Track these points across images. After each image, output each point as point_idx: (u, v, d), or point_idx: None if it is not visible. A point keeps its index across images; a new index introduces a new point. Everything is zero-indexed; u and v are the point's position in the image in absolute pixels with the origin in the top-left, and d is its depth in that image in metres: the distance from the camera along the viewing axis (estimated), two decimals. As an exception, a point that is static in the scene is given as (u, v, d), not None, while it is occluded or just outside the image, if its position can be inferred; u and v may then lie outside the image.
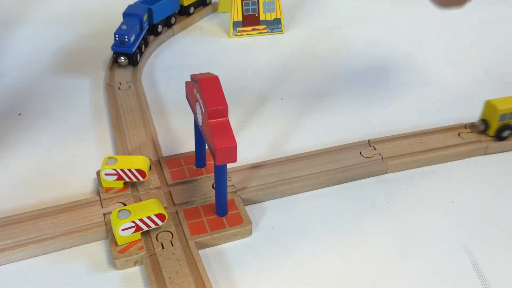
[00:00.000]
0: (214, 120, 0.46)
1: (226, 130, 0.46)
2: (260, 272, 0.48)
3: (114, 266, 0.48)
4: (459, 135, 0.64)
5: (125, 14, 0.77)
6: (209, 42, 0.87)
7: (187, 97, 0.55)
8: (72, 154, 0.62)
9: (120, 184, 0.54)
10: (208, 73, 0.50)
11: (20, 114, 0.68)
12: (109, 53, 0.81)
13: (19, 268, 0.48)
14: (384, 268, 0.49)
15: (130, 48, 0.74)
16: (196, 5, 0.92)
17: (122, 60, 0.75)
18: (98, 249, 0.50)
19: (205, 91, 0.47)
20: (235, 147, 0.46)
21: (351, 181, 0.58)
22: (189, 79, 0.52)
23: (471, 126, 0.65)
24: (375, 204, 0.56)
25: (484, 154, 0.62)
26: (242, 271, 0.48)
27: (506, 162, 0.62)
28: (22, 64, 0.80)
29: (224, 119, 0.47)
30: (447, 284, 0.47)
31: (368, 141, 0.62)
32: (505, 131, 0.62)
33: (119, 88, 0.72)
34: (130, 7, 0.80)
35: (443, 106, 0.72)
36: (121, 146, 0.61)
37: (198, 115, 0.50)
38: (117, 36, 0.73)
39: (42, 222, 0.50)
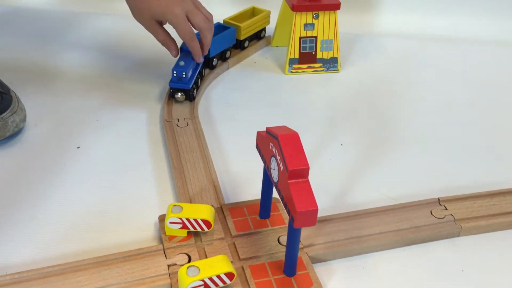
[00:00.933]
0: (294, 180, 0.44)
1: (306, 192, 0.44)
2: None
3: (179, 325, 0.46)
4: (534, 198, 0.61)
5: (183, 49, 0.77)
6: (264, 78, 0.86)
7: (257, 147, 0.53)
8: (132, 195, 0.60)
9: (183, 233, 0.53)
10: (285, 127, 0.49)
11: (79, 147, 0.67)
12: (164, 84, 0.80)
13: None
14: None
15: (187, 85, 0.74)
16: (251, 39, 0.91)
17: (179, 96, 0.74)
18: (161, 304, 0.48)
19: (286, 149, 0.45)
20: (316, 211, 0.44)
21: (421, 242, 0.56)
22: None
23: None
24: (448, 271, 0.53)
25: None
26: None
27: None
28: (78, 94, 0.79)
29: (305, 179, 0.45)
30: None
31: (438, 199, 0.60)
32: None
33: (177, 125, 0.70)
34: None
35: None
36: (182, 189, 0.59)
37: (273, 170, 0.48)
38: (175, 72, 0.73)
39: (106, 271, 0.49)
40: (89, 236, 0.55)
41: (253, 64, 0.90)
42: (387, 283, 0.51)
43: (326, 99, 0.81)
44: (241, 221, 0.56)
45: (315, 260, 0.52)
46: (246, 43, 0.90)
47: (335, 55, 0.86)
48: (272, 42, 0.95)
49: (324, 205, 0.60)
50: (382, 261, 0.53)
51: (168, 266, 0.50)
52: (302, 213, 0.43)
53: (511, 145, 0.72)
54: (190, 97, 0.75)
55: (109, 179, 0.62)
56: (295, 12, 0.82)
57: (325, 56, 0.86)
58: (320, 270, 0.52)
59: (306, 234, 0.54)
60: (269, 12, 0.92)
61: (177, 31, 0.70)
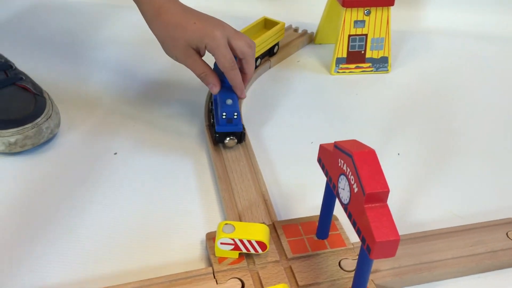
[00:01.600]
0: (372, 205, 0.39)
1: (386, 219, 0.39)
2: None
3: None
4: None
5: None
6: (308, 78, 0.80)
7: (319, 161, 0.47)
8: (175, 208, 0.55)
9: (235, 255, 0.48)
10: (357, 142, 0.43)
11: (116, 154, 0.62)
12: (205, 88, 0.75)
13: None
14: None
15: (238, 126, 0.60)
16: (263, 56, 0.80)
17: (229, 141, 0.61)
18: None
19: (362, 169, 0.39)
20: (398, 241, 0.38)
21: (499, 269, 0.50)
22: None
23: None
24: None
25: None
26: None
27: None
28: (113, 95, 0.74)
29: (384, 204, 0.39)
30: None
31: (515, 220, 0.54)
32: None
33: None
34: None
35: None
36: (230, 203, 0.54)
37: (342, 190, 0.43)
38: (224, 114, 0.59)
39: (151, 298, 0.44)
40: (130, 254, 0.50)
41: (296, 64, 0.84)
42: (464, 317, 0.46)
43: (376, 102, 0.75)
44: (297, 241, 0.50)
45: (381, 288, 0.47)
46: (258, 62, 0.78)
47: (386, 55, 0.80)
48: (315, 39, 0.89)
49: (385, 223, 0.54)
50: (456, 291, 0.48)
51: (220, 291, 0.45)
52: (382, 243, 0.38)
53: None
54: (241, 139, 0.62)
55: (150, 191, 0.57)
56: (345, 8, 0.76)
57: (374, 56, 0.80)
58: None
59: (370, 258, 0.49)
60: (283, 24, 0.80)
61: (216, 57, 0.59)
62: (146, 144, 0.64)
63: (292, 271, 0.47)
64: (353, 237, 0.50)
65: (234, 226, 0.47)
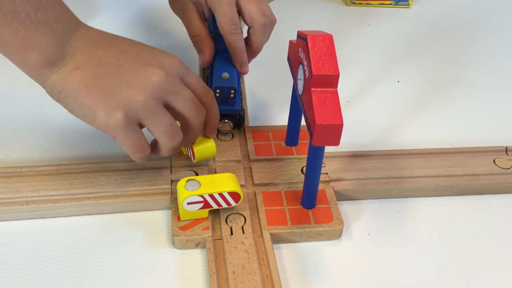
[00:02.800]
0: (319, 89, 0.36)
1: (332, 104, 0.36)
2: (342, 285, 0.38)
3: (173, 243, 0.40)
4: None
5: (216, 50, 0.51)
6: (321, 8, 0.76)
7: (288, 59, 0.45)
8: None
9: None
10: (321, 31, 0.40)
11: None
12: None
13: (71, 224, 0.42)
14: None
15: (236, 106, 0.48)
16: None
17: (223, 125, 0.48)
18: (158, 219, 0.43)
19: (314, 51, 0.37)
20: (341, 126, 0.36)
21: (478, 194, 0.46)
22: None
23: None
24: (510, 230, 0.43)
25: None
26: (322, 282, 0.38)
27: None
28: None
29: (332, 89, 0.37)
30: None
31: (506, 147, 0.49)
32: None
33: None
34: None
35: None
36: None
37: (299, 81, 0.40)
38: (218, 91, 0.47)
39: (103, 177, 0.44)
40: (95, 145, 0.50)
41: (312, -8, 0.80)
42: (425, 234, 0.42)
43: (391, 35, 0.71)
44: (264, 145, 0.49)
45: (342, 197, 0.45)
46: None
47: (407, -13, 0.75)
48: (337, -29, 0.85)
49: (366, 141, 0.51)
50: (423, 208, 0.45)
51: (172, 181, 0.44)
52: (324, 127, 0.35)
53: None
54: (239, 123, 0.49)
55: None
56: None
57: (395, -13, 0.75)
58: (346, 209, 0.44)
59: (336, 167, 0.46)
60: None
61: (215, 15, 0.48)
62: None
63: (251, 170, 0.46)
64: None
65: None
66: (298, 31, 0.41)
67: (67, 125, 0.51)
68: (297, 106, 0.46)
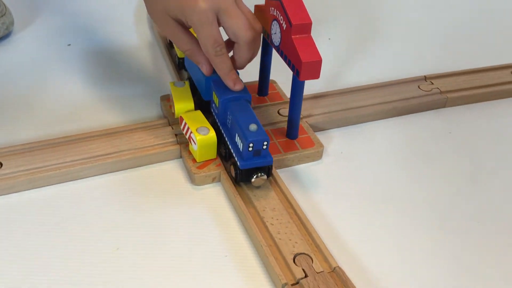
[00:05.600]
0: (298, 36, 0.46)
1: (310, 46, 0.46)
2: (333, 191, 0.49)
3: (192, 181, 0.48)
4: (512, 73, 0.65)
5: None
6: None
7: (255, 22, 0.54)
8: (136, 86, 0.62)
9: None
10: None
11: (69, 45, 0.67)
12: None
13: (94, 183, 0.48)
14: (455, 191, 0.50)
15: (268, 157, 0.46)
16: None
17: (256, 179, 0.46)
18: (172, 167, 0.50)
19: (289, 7, 0.46)
20: (320, 61, 0.46)
21: (411, 113, 0.59)
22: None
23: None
24: (438, 134, 0.57)
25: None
26: (319, 192, 0.49)
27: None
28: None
29: (308, 35, 0.47)
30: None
31: (425, 76, 0.63)
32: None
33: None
34: None
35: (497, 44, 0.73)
36: (179, 74, 0.61)
37: (274, 35, 0.50)
38: (251, 145, 0.44)
39: (117, 139, 0.50)
40: (96, 115, 0.56)
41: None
42: (383, 144, 0.55)
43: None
44: (241, 99, 0.58)
45: (315, 128, 0.55)
46: None
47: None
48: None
49: (318, 86, 0.62)
50: (376, 128, 0.57)
51: (176, 134, 0.52)
52: (308, 64, 0.45)
53: (493, 31, 0.76)
54: (270, 171, 0.47)
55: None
56: None
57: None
58: (319, 137, 0.55)
59: (304, 107, 0.57)
60: None
61: (198, 37, 0.45)
62: (98, 34, 0.69)
63: (237, 119, 0.55)
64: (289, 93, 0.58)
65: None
66: (266, -4, 0.50)
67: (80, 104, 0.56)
68: (267, 62, 0.55)
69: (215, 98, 0.49)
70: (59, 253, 0.41)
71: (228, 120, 0.48)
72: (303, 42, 0.46)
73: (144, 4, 0.49)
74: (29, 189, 0.46)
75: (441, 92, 0.60)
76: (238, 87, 0.48)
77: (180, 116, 0.50)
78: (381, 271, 0.42)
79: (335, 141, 0.55)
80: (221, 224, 0.45)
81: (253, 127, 0.45)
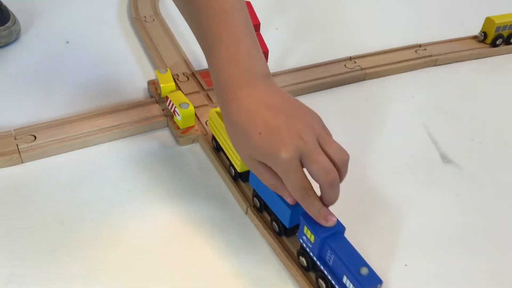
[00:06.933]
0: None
1: (260, 41, 0.64)
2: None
3: (177, 142, 0.65)
4: (416, 51, 0.84)
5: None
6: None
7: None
8: (125, 74, 0.77)
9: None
10: None
11: (68, 42, 0.82)
12: None
13: (105, 148, 0.64)
14: (355, 143, 0.69)
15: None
16: None
17: None
18: (162, 135, 0.67)
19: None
20: (267, 52, 0.64)
21: (339, 86, 0.78)
22: None
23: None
24: (358, 101, 0.76)
25: (434, 65, 0.84)
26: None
27: (451, 71, 0.83)
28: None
29: (258, 32, 0.64)
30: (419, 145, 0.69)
31: (350, 57, 0.82)
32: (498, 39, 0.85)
33: (145, 21, 0.87)
34: None
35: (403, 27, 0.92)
36: (161, 64, 0.77)
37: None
38: None
39: (118, 115, 0.67)
40: (92, 100, 0.71)
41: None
42: (320, 111, 0.73)
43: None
44: (210, 80, 0.74)
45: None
46: None
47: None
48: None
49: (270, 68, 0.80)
50: (313, 99, 0.75)
51: (162, 109, 0.68)
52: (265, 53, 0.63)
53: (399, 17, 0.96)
54: None
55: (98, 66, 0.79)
56: None
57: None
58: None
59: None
60: None
61: (284, 181, 0.46)
62: (85, 37, 0.84)
63: (208, 96, 0.72)
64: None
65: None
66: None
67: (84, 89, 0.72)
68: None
69: (308, 233, 0.48)
70: (89, 198, 0.58)
71: (328, 257, 0.47)
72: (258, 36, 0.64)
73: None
74: (57, 154, 0.62)
75: (361, 69, 0.79)
76: (331, 223, 0.46)
77: (166, 96, 0.67)
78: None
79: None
80: (201, 171, 0.62)
81: (364, 271, 0.44)
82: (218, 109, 0.59)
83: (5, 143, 0.61)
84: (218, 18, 0.48)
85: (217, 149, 0.63)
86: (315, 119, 0.48)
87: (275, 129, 0.45)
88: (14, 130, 0.63)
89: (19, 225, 0.54)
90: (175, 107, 0.65)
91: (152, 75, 0.77)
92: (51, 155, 0.62)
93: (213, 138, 0.63)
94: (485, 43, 0.87)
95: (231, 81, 0.48)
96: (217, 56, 0.49)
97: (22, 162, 0.60)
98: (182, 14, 0.53)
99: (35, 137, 0.62)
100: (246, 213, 0.57)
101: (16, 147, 0.60)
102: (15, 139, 0.62)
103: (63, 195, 0.58)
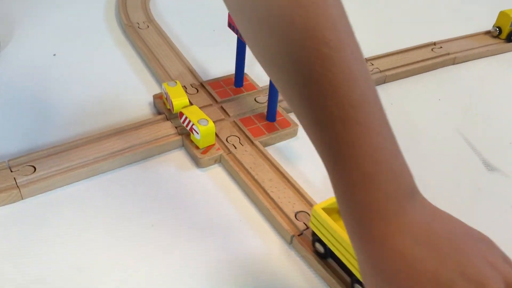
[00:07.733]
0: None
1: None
2: (311, 160, 0.60)
3: (198, 165, 0.58)
4: (432, 50, 0.80)
5: None
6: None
7: (230, 26, 0.64)
8: (121, 85, 0.69)
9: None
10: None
11: (54, 55, 0.72)
12: None
13: (115, 176, 0.56)
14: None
15: None
16: None
17: None
18: (178, 155, 0.59)
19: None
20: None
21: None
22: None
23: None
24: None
25: (453, 64, 0.79)
26: (301, 163, 0.60)
27: (472, 69, 0.79)
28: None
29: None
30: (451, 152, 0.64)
31: (365, 59, 0.76)
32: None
33: (139, 27, 0.78)
34: None
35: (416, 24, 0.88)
36: (164, 75, 0.69)
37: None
38: None
39: (127, 136, 0.58)
40: (98, 119, 0.63)
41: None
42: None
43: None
44: (221, 91, 0.67)
45: (288, 110, 0.66)
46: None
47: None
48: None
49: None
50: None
51: (176, 127, 0.61)
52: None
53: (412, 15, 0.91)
54: None
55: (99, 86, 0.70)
56: None
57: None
58: (293, 118, 0.66)
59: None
60: None
61: None
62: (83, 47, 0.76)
63: (223, 108, 0.65)
64: (260, 83, 0.69)
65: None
66: None
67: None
68: (242, 57, 0.65)
69: None
70: (103, 231, 0.50)
71: None
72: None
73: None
74: (63, 186, 0.54)
75: (380, 71, 0.74)
76: None
77: (180, 112, 0.59)
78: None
79: (304, 120, 0.67)
80: (229, 197, 0.55)
81: None
82: (322, 204, 0.47)
83: (0, 177, 0.52)
84: (346, 115, 0.33)
85: (322, 256, 0.49)
86: (491, 249, 0.34)
87: (448, 284, 0.31)
88: (8, 160, 0.54)
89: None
90: (193, 124, 0.57)
91: (155, 88, 0.69)
92: (55, 188, 0.53)
93: (317, 241, 0.48)
94: (499, 38, 0.84)
95: (369, 212, 0.33)
96: (346, 177, 0.34)
97: (22, 199, 0.52)
98: (283, 94, 0.37)
99: (35, 168, 0.53)
100: None
101: (14, 181, 0.52)
102: (11, 171, 0.53)
103: (73, 235, 0.49)
